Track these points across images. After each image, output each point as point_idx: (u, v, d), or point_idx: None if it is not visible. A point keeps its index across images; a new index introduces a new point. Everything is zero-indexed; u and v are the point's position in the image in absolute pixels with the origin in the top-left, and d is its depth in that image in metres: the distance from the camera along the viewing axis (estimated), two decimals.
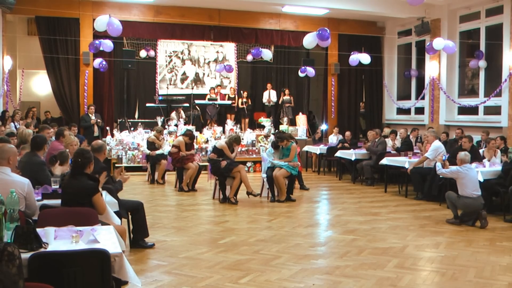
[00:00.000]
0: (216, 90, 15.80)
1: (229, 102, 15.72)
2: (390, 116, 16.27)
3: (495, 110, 12.30)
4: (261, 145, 13.58)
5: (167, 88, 15.87)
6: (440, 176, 8.31)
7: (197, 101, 15.16)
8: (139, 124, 13.66)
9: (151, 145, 11.32)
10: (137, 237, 5.86)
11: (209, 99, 15.43)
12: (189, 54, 16.91)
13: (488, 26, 12.67)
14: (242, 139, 13.54)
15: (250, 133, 14.20)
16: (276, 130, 14.01)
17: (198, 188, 10.30)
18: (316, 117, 17.94)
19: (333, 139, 13.94)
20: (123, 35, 14.02)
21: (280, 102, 16.13)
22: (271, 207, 8.65)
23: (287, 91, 16.16)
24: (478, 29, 12.97)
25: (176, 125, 13.82)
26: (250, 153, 13.43)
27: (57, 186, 5.12)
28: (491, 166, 8.42)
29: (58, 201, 4.73)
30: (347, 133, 13.12)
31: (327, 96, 16.08)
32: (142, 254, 5.64)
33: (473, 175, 7.38)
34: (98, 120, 13.23)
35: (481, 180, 7.77)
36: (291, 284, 4.70)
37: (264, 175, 9.48)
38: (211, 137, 13.61)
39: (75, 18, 13.42)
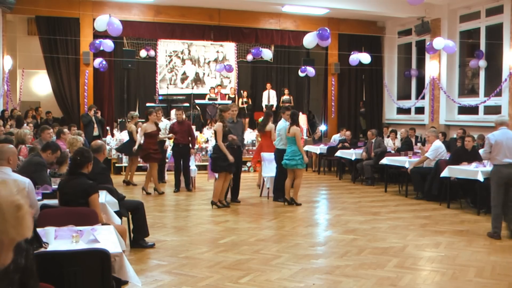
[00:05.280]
0: (216, 90, 15.80)
1: (229, 102, 15.70)
2: (390, 115, 16.27)
3: (495, 110, 12.28)
4: None
5: (167, 87, 15.88)
6: (441, 176, 8.30)
7: (197, 101, 15.16)
8: (139, 124, 13.60)
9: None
10: (137, 237, 5.86)
11: (209, 99, 15.43)
12: (189, 54, 16.91)
13: (488, 25, 12.67)
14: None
15: (250, 132, 14.20)
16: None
17: (198, 188, 10.30)
18: (316, 116, 17.93)
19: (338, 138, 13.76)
20: (123, 35, 14.01)
21: (280, 102, 16.11)
22: (271, 207, 8.64)
23: (286, 91, 16.15)
24: (478, 28, 12.97)
25: None
26: (250, 153, 13.41)
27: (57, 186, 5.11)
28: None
29: None
30: (347, 133, 13.11)
31: (327, 96, 16.09)
32: (142, 254, 5.64)
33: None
34: (97, 111, 12.70)
35: (481, 180, 7.76)
36: (291, 284, 4.70)
37: (265, 175, 9.47)
38: (211, 137, 13.59)
39: (75, 18, 13.42)
